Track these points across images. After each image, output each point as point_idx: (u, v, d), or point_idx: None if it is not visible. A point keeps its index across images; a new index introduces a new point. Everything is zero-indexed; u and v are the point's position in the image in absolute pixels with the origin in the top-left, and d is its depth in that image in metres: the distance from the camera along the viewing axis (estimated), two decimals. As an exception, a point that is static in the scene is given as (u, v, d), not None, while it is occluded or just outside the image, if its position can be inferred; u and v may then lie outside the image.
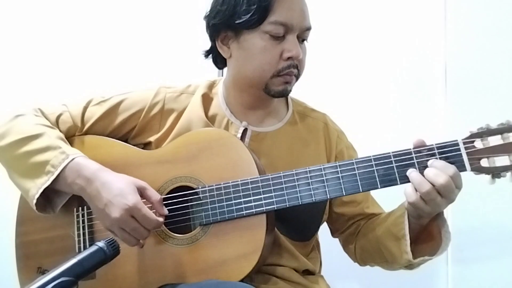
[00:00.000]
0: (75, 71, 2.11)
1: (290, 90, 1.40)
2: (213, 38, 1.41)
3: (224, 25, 1.36)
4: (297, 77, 1.39)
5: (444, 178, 1.14)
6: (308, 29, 1.37)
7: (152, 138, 1.43)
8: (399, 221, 1.29)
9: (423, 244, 1.30)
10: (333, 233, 1.58)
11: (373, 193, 1.50)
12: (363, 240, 1.46)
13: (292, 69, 1.35)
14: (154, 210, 1.27)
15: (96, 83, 2.03)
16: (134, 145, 1.43)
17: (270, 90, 1.37)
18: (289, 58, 1.33)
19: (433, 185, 1.15)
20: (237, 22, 1.32)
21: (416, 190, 1.17)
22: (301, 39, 1.37)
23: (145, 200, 1.26)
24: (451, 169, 1.15)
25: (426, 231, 1.29)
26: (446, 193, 1.15)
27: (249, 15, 1.30)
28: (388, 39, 2.00)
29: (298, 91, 1.53)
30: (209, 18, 1.39)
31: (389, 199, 1.50)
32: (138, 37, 2.11)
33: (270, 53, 1.33)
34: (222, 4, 1.35)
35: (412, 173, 1.18)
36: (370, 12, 2.02)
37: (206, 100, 1.46)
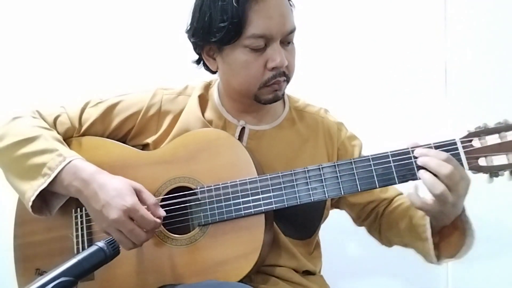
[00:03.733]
0: (73, 73, 2.11)
1: (282, 95, 1.37)
2: (198, 52, 1.39)
3: (204, 42, 1.33)
4: (287, 81, 1.35)
5: (449, 168, 1.12)
6: (291, 32, 1.31)
7: (149, 140, 1.43)
8: (421, 223, 1.28)
9: (450, 237, 1.28)
10: (355, 221, 1.58)
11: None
12: (386, 228, 1.45)
13: (278, 78, 1.31)
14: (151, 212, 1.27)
15: (94, 85, 2.03)
16: (132, 147, 1.43)
17: (260, 99, 1.35)
18: (274, 68, 1.29)
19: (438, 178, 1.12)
20: (213, 40, 1.29)
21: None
22: (286, 42, 1.32)
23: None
24: (444, 155, 1.14)
25: (451, 226, 1.26)
26: (452, 185, 1.12)
27: (223, 32, 1.26)
28: (388, 39, 2.00)
29: (298, 91, 1.54)
30: (188, 34, 1.37)
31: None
32: (136, 38, 2.11)
33: (253, 66, 1.30)
34: (198, 21, 1.31)
35: (424, 173, 1.15)
36: (370, 12, 2.01)
37: (203, 101, 1.46)
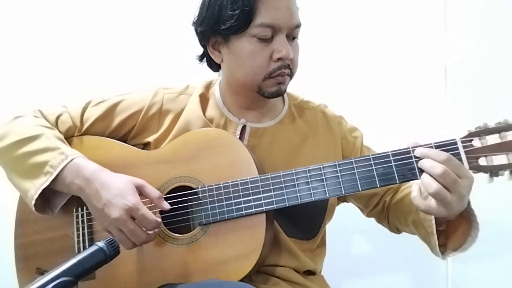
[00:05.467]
0: (75, 73, 2.12)
1: (285, 90, 1.39)
2: (203, 44, 1.41)
3: (211, 31, 1.35)
4: (291, 76, 1.37)
5: (440, 168, 1.11)
6: (297, 26, 1.34)
7: (150, 139, 1.43)
8: (427, 217, 1.27)
9: (457, 228, 1.27)
10: (363, 212, 1.58)
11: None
12: (394, 218, 1.46)
13: (283, 70, 1.33)
14: (155, 210, 1.27)
15: (95, 84, 2.04)
16: (133, 146, 1.43)
17: (264, 92, 1.36)
18: (279, 59, 1.31)
19: (434, 178, 1.11)
20: (222, 28, 1.31)
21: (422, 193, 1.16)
22: (291, 37, 1.35)
23: (146, 200, 1.26)
24: (443, 156, 1.13)
25: (459, 216, 1.23)
26: (449, 185, 1.11)
27: (233, 20, 1.28)
28: (388, 38, 2.00)
29: (298, 90, 1.55)
30: (196, 24, 1.38)
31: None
32: (136, 38, 2.11)
33: (259, 56, 1.32)
34: (207, 10, 1.33)
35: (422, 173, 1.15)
36: (370, 12, 2.02)
37: (204, 100, 1.46)
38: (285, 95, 1.52)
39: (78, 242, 1.36)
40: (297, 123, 1.47)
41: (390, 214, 1.48)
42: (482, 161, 1.15)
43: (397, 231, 1.51)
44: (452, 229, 1.28)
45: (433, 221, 1.25)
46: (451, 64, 1.97)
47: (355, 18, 2.02)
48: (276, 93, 1.37)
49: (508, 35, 1.91)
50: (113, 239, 1.06)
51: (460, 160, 1.15)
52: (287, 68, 1.34)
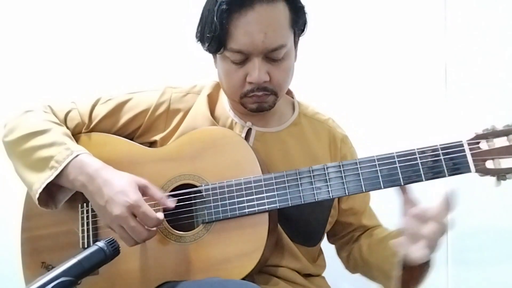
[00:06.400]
0: (83, 72, 2.13)
1: (270, 106, 1.36)
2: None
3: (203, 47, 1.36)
4: (274, 94, 1.34)
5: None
6: (275, 49, 1.26)
7: (157, 137, 1.43)
8: (391, 261, 1.25)
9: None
10: (329, 238, 1.59)
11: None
12: (357, 255, 1.46)
13: (256, 92, 1.31)
14: (158, 208, 1.27)
15: (103, 83, 2.05)
16: (140, 144, 1.43)
17: (246, 107, 1.36)
18: (250, 82, 1.30)
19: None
20: (204, 48, 1.33)
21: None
22: (272, 58, 1.28)
23: (148, 198, 1.26)
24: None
25: None
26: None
27: (209, 43, 1.28)
28: (388, 39, 2.00)
29: (298, 91, 1.55)
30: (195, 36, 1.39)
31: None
32: (145, 37, 2.12)
33: (233, 77, 1.31)
34: (198, 26, 1.35)
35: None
36: (370, 12, 2.02)
37: (212, 100, 1.46)
38: (295, 102, 1.52)
39: (83, 237, 1.37)
40: (304, 132, 1.46)
41: (354, 250, 1.48)
42: (489, 164, 1.14)
43: (353, 270, 1.53)
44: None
45: (399, 263, 1.20)
46: (451, 64, 1.97)
47: (355, 18, 2.02)
48: (257, 110, 1.35)
49: (508, 35, 1.92)
50: (113, 239, 1.07)
51: (466, 162, 1.15)
52: (261, 90, 1.31)
